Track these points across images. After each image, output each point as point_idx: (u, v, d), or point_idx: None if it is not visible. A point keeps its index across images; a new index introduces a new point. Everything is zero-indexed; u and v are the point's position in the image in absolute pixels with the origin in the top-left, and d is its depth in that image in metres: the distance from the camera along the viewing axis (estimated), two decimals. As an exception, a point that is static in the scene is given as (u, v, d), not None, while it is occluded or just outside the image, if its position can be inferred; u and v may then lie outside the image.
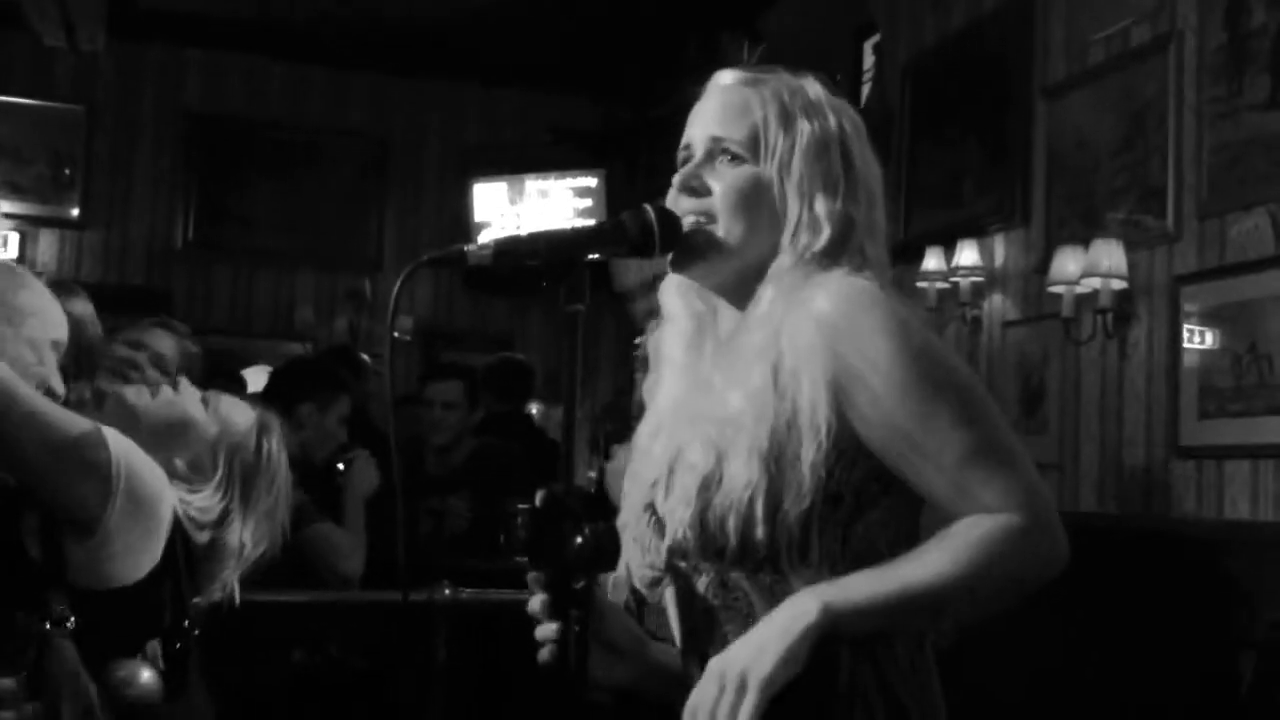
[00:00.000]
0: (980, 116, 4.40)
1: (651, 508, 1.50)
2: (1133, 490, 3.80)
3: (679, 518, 1.42)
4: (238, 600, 2.24)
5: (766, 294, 1.48)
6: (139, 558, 1.98)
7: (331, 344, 6.34)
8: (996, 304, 4.42)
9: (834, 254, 1.47)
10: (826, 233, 1.47)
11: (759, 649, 1.31)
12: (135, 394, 2.19)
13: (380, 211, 7.03)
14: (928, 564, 1.35)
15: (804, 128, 1.50)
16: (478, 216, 6.80)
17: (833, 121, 1.52)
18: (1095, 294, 3.81)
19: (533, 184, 6.82)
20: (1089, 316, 3.89)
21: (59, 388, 2.04)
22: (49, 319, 2.07)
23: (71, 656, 1.88)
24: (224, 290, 6.76)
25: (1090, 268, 3.76)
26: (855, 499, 1.40)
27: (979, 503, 1.36)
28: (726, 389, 1.43)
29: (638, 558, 1.51)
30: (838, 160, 1.51)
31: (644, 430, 1.58)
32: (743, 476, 1.37)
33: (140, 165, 6.69)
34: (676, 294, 1.59)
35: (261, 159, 6.82)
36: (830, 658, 1.35)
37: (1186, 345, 3.62)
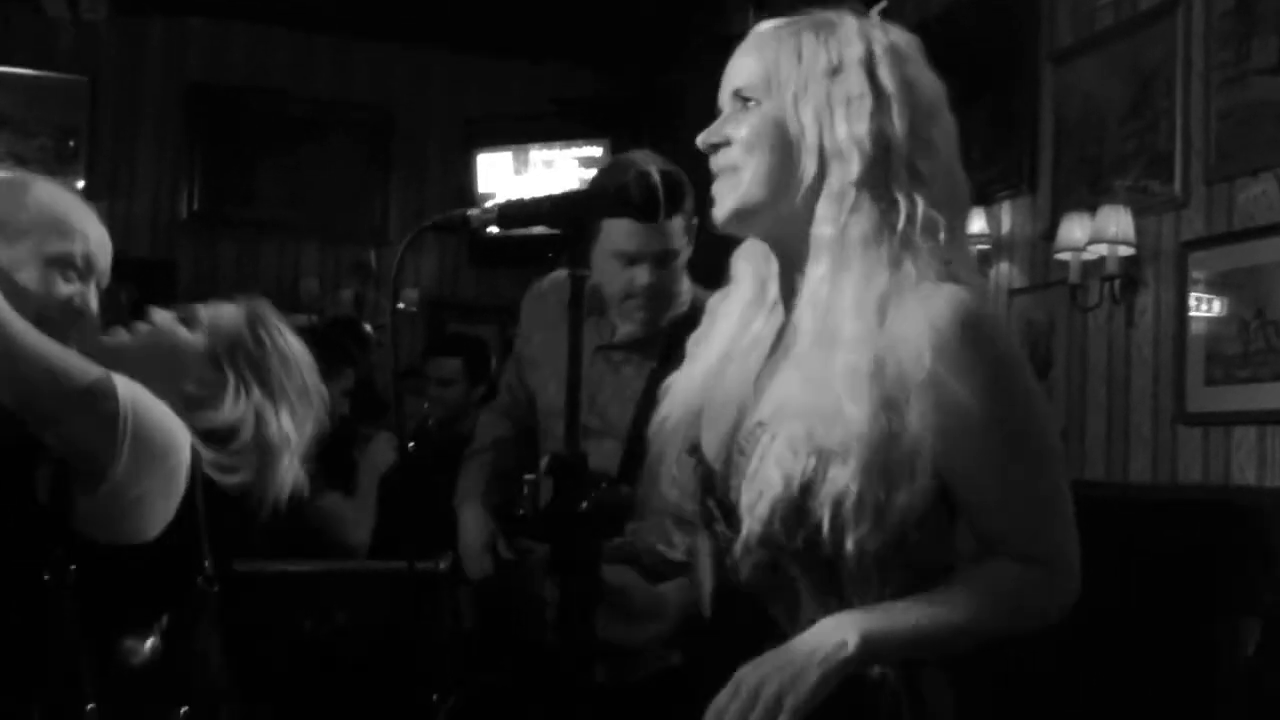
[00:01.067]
0: (987, 83, 4.38)
1: (697, 451, 1.51)
2: (1140, 457, 3.79)
3: (756, 511, 1.39)
4: (307, 491, 2.20)
5: (823, 257, 1.44)
6: (152, 511, 1.94)
7: (336, 315, 6.34)
8: (1003, 271, 4.41)
9: (876, 182, 1.42)
10: (856, 159, 1.42)
11: (797, 673, 1.32)
12: (112, 337, 2.14)
13: (385, 183, 7.01)
14: (962, 607, 1.39)
15: (818, 55, 1.45)
16: (482, 187, 6.78)
17: (857, 44, 1.45)
18: (1102, 261, 3.80)
19: (537, 154, 6.79)
20: (1096, 283, 3.88)
21: (61, 297, 2.00)
22: (50, 231, 2.01)
23: (67, 617, 1.87)
24: (228, 262, 6.75)
25: (1097, 234, 3.74)
26: (926, 521, 1.41)
27: (1017, 548, 1.41)
28: (823, 382, 1.38)
29: (673, 495, 1.51)
30: (860, 80, 1.43)
31: (688, 372, 1.58)
32: (846, 489, 1.35)
33: (144, 137, 6.67)
34: (744, 258, 1.59)
35: (265, 130, 6.80)
36: (868, 676, 1.39)
37: (1194, 312, 3.61)
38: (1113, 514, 3.77)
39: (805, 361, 1.42)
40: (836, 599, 1.40)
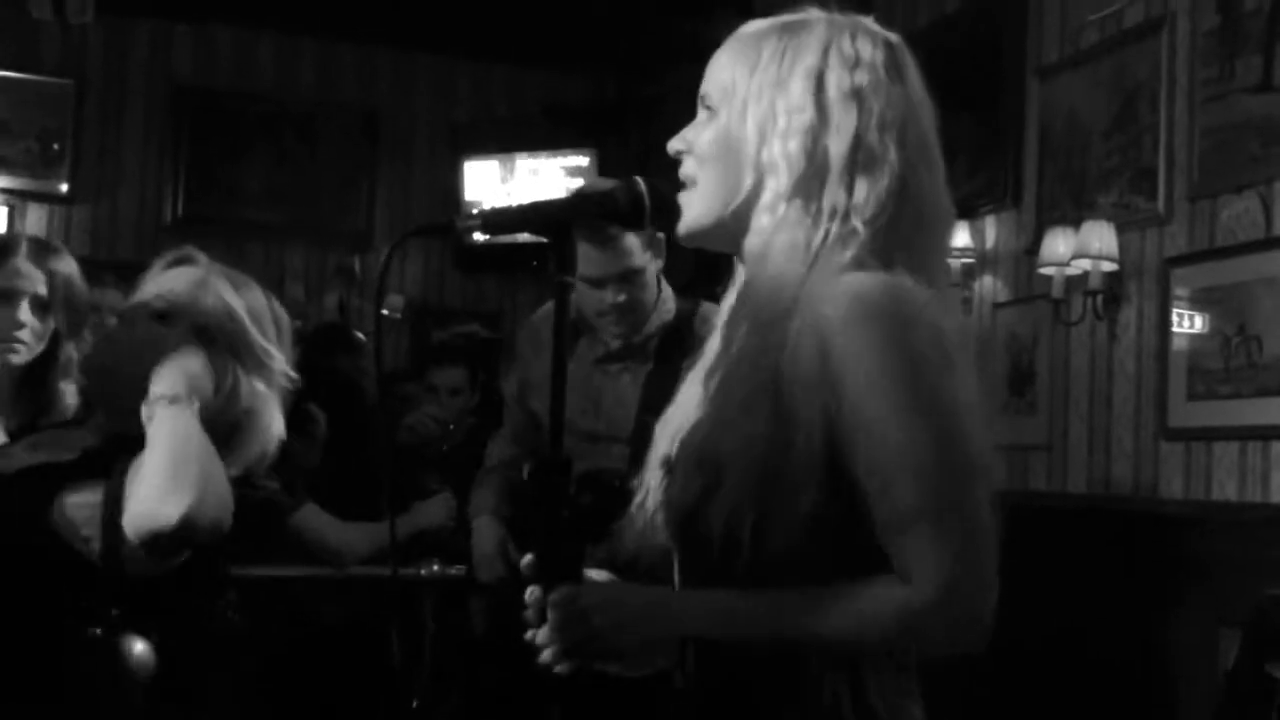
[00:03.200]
0: (972, 97, 4.39)
1: (669, 461, 1.48)
2: (1121, 471, 3.80)
3: (657, 523, 1.41)
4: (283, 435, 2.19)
5: (749, 270, 1.43)
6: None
7: (322, 321, 6.32)
8: (987, 285, 4.42)
9: (808, 196, 1.37)
10: (785, 173, 1.38)
11: (625, 624, 1.34)
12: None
13: (371, 188, 7.00)
14: (825, 619, 1.31)
15: (770, 65, 1.41)
16: (469, 194, 6.78)
17: (811, 54, 1.40)
18: (1085, 275, 3.81)
19: (524, 163, 6.79)
20: (1079, 298, 3.89)
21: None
22: None
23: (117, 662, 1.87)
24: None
25: (1081, 249, 3.76)
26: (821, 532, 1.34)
27: (902, 558, 1.28)
28: (724, 400, 1.36)
29: (650, 506, 1.50)
30: (803, 92, 1.38)
31: (691, 378, 1.55)
32: (728, 507, 1.32)
33: (129, 139, 6.65)
34: (738, 268, 1.54)
35: (251, 133, 6.79)
36: (811, 679, 1.35)
37: (1176, 328, 3.62)
38: (1094, 527, 3.78)
39: (711, 375, 1.42)
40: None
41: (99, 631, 1.86)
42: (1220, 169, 3.50)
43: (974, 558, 1.29)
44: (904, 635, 1.32)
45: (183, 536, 1.82)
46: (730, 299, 1.54)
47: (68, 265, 2.59)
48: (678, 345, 2.71)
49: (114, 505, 1.87)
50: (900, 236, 1.37)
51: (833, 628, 1.31)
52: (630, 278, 2.74)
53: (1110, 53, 3.93)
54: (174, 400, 1.91)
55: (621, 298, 2.76)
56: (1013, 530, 1.34)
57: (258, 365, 2.10)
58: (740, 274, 1.51)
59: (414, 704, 3.55)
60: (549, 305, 2.98)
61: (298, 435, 3.96)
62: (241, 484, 3.42)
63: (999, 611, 1.34)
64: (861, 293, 1.30)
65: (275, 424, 2.14)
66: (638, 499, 1.48)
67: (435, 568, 3.77)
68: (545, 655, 1.34)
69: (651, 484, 1.48)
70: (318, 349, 4.33)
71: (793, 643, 1.33)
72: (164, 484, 1.82)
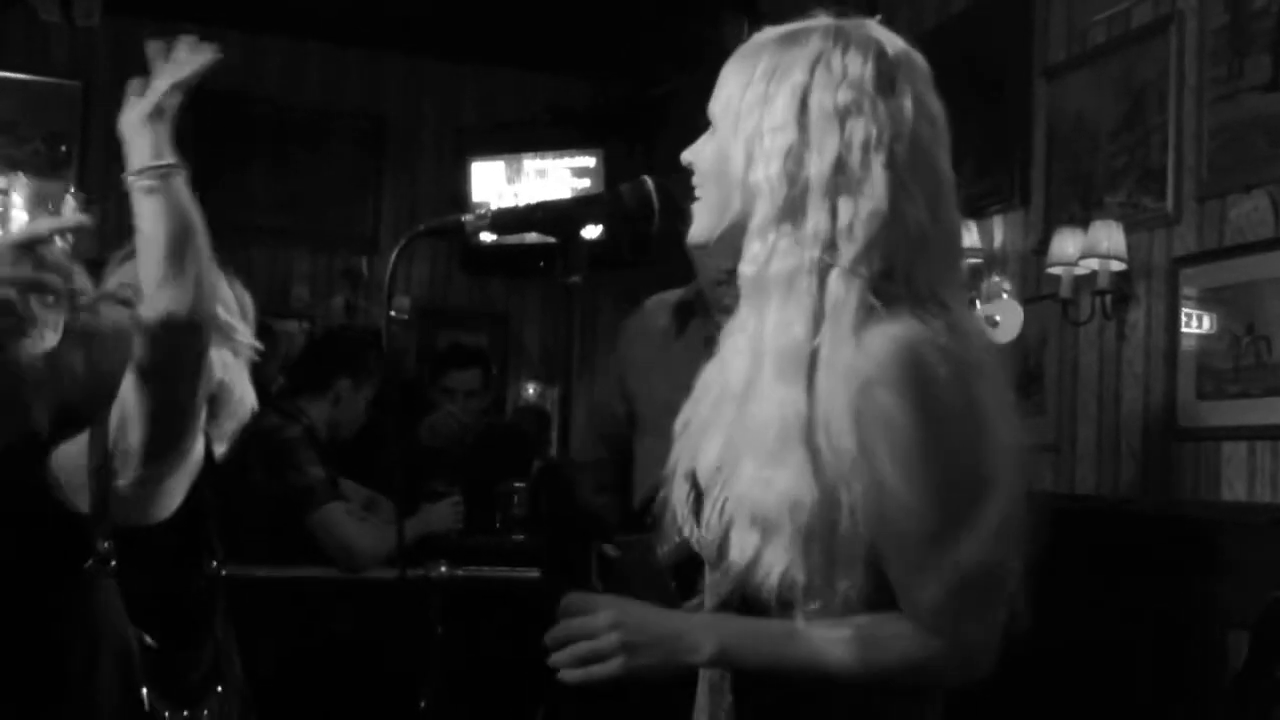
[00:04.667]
0: (980, 98, 4.39)
1: (694, 478, 1.49)
2: (1130, 471, 3.80)
3: (719, 590, 1.42)
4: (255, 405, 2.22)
5: (744, 305, 1.43)
6: (176, 489, 1.99)
7: (332, 322, 6.33)
8: (995, 285, 4.41)
9: (792, 220, 1.36)
10: (768, 196, 1.37)
11: (646, 644, 1.36)
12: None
13: (377, 190, 7.01)
14: (838, 653, 1.35)
15: (759, 83, 1.40)
16: (475, 196, 6.78)
17: (800, 71, 1.38)
18: (1094, 275, 3.81)
19: (531, 164, 6.79)
20: (1087, 298, 3.89)
21: None
22: None
23: (113, 599, 1.88)
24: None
25: (1089, 249, 3.75)
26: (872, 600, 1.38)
27: (915, 609, 1.35)
28: (759, 447, 1.35)
29: (671, 518, 1.51)
30: (787, 111, 1.37)
31: (708, 374, 1.55)
32: (787, 570, 1.34)
33: (136, 142, 6.66)
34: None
35: (258, 136, 6.80)
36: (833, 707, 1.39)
37: (1185, 328, 3.61)
38: (1103, 528, 3.77)
39: (740, 413, 1.41)
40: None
41: (89, 564, 1.87)
42: (1229, 168, 3.49)
43: (981, 608, 1.35)
44: (910, 677, 1.38)
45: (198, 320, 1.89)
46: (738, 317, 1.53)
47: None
48: None
49: (101, 451, 1.89)
50: (899, 266, 1.35)
51: (841, 663, 1.35)
52: None
53: (1118, 52, 3.92)
54: (163, 174, 1.94)
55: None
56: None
57: (225, 338, 2.16)
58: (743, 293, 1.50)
59: (421, 704, 3.55)
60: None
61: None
62: (287, 466, 3.46)
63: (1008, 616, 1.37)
64: (892, 349, 1.30)
65: (248, 396, 2.19)
66: (669, 510, 1.50)
67: (443, 570, 3.78)
68: (557, 658, 1.35)
69: (678, 498, 1.48)
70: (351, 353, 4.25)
71: (801, 674, 1.36)
72: (172, 268, 1.90)
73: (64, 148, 6.46)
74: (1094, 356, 3.96)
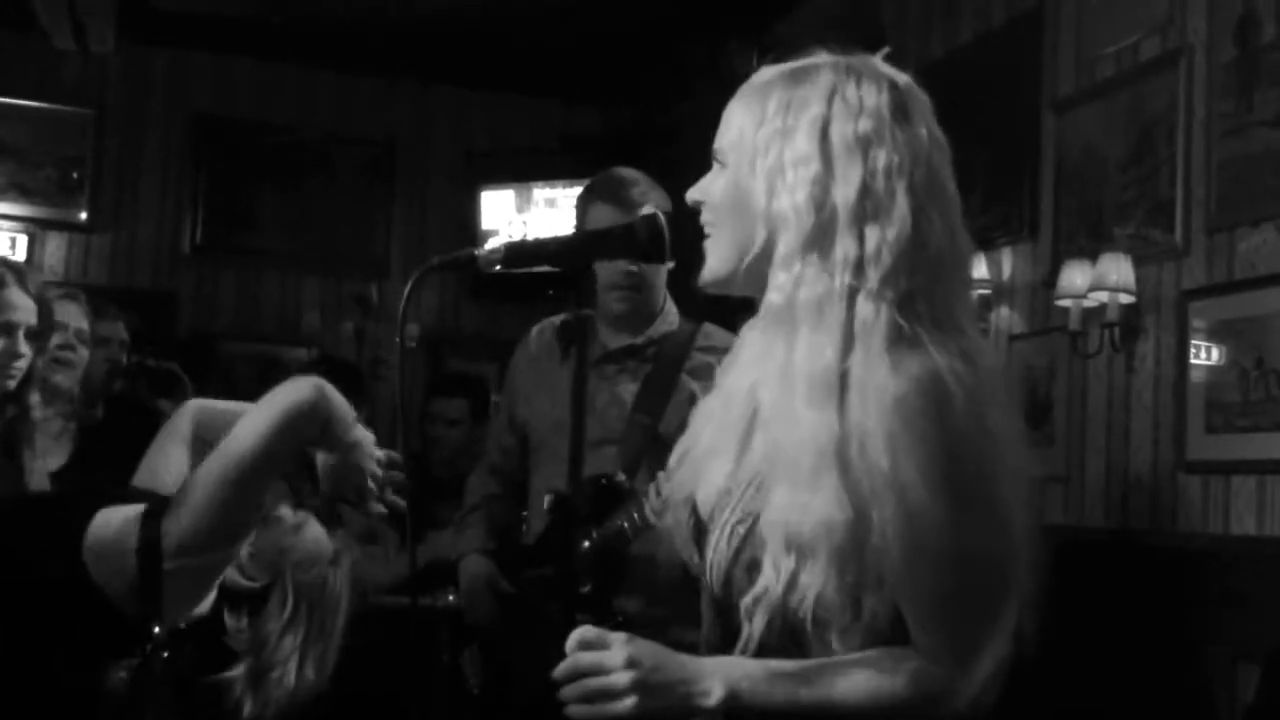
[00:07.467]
0: (988, 130, 4.40)
1: (694, 506, 1.51)
2: (1139, 504, 3.79)
3: (755, 621, 1.41)
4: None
5: (771, 333, 1.43)
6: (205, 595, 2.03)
7: (333, 352, 6.34)
8: (1003, 317, 4.42)
9: (819, 249, 1.39)
10: (794, 226, 1.39)
11: (657, 687, 1.35)
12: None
13: (387, 217, 7.03)
14: (853, 688, 1.36)
15: (776, 117, 1.42)
16: (485, 224, 6.81)
17: (817, 104, 1.41)
18: (1103, 308, 3.81)
19: (540, 192, 6.82)
20: (1096, 330, 3.89)
21: None
22: None
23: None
24: (230, 294, 6.76)
25: (1098, 281, 3.75)
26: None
27: (923, 640, 1.37)
28: (794, 473, 1.37)
29: (670, 540, 1.52)
30: (809, 143, 1.40)
31: (708, 405, 1.56)
32: (823, 590, 1.36)
33: (148, 169, 6.69)
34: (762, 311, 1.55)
35: (269, 163, 6.83)
36: None
37: (1194, 360, 3.61)
38: (1112, 560, 3.76)
39: (769, 439, 1.42)
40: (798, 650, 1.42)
41: (123, 674, 1.89)
42: (1238, 202, 3.50)
43: (987, 640, 1.36)
44: (921, 709, 1.38)
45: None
46: (751, 343, 1.53)
47: (47, 289, 2.66)
48: (677, 355, 2.79)
49: (152, 535, 1.90)
50: (921, 288, 1.38)
51: (854, 698, 1.36)
52: None
53: (1126, 85, 3.94)
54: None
55: (635, 268, 2.80)
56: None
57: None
58: (761, 321, 1.50)
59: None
60: (544, 322, 3.09)
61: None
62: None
63: (1015, 643, 1.38)
64: (909, 391, 1.32)
65: None
66: (670, 536, 1.50)
67: (451, 599, 3.77)
68: (567, 693, 1.35)
69: (679, 522, 1.49)
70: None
71: (814, 712, 1.37)
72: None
73: (76, 174, 6.49)
74: (1103, 389, 3.96)
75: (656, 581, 2.23)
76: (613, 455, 2.63)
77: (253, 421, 1.92)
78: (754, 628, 1.40)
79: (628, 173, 2.91)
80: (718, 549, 1.44)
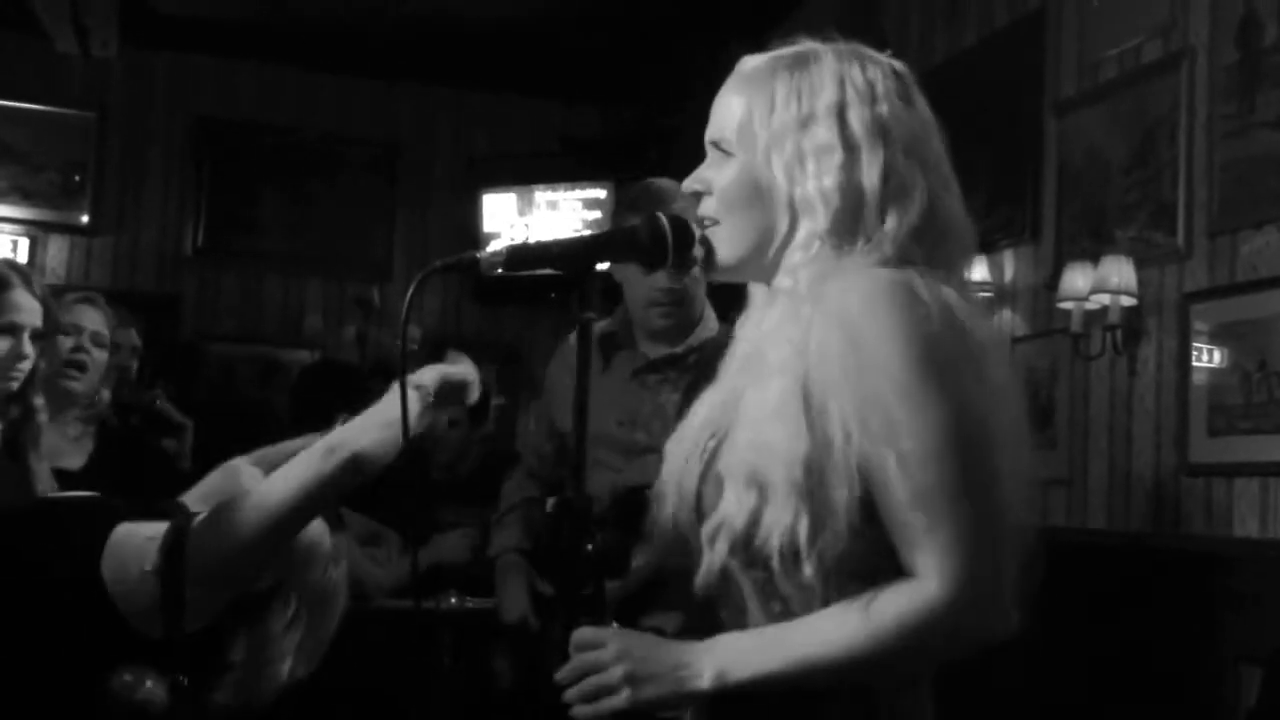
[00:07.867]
0: (991, 132, 4.40)
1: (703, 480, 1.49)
2: (1142, 507, 3.78)
3: (716, 547, 1.40)
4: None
5: (779, 300, 1.44)
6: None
7: (335, 355, 6.33)
8: (1005, 319, 4.41)
9: (843, 232, 1.41)
10: (822, 211, 1.41)
11: (649, 677, 1.36)
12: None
13: (389, 220, 7.03)
14: (838, 637, 1.33)
15: (789, 104, 1.44)
16: (487, 227, 6.80)
17: (829, 90, 1.43)
18: (1105, 310, 3.81)
19: (542, 195, 6.81)
20: (1098, 333, 3.88)
21: None
22: None
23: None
24: (233, 297, 6.76)
25: (1100, 284, 3.75)
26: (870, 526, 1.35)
27: (912, 554, 1.31)
28: (759, 412, 1.37)
29: (676, 513, 1.51)
30: (830, 129, 1.42)
31: (707, 395, 1.57)
32: (782, 521, 1.34)
33: (151, 172, 6.69)
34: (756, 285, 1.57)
35: (271, 166, 6.83)
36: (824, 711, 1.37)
37: (1196, 363, 3.61)
38: (1114, 563, 3.76)
39: (732, 393, 1.45)
40: (780, 604, 1.40)
41: (127, 678, 1.89)
42: (1240, 204, 3.50)
43: (985, 549, 1.31)
44: (934, 639, 1.33)
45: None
46: (749, 327, 1.54)
47: (48, 292, 2.66)
48: (719, 361, 2.75)
49: (175, 549, 1.90)
50: (923, 248, 1.41)
51: (845, 640, 1.33)
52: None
53: (1129, 88, 3.94)
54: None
55: (677, 284, 2.76)
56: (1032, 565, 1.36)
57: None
58: (760, 302, 1.53)
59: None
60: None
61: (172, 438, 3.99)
62: None
63: (1012, 647, 1.35)
64: (878, 282, 1.34)
65: None
66: (662, 515, 1.50)
67: (453, 601, 3.77)
68: (570, 695, 1.35)
69: (671, 500, 1.49)
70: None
71: (807, 669, 1.35)
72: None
73: (78, 178, 6.49)
74: (1105, 391, 3.96)
75: (692, 596, 2.24)
76: (656, 464, 2.62)
77: (295, 473, 1.94)
78: (714, 555, 1.40)
79: (666, 184, 2.81)
80: (688, 466, 1.46)
